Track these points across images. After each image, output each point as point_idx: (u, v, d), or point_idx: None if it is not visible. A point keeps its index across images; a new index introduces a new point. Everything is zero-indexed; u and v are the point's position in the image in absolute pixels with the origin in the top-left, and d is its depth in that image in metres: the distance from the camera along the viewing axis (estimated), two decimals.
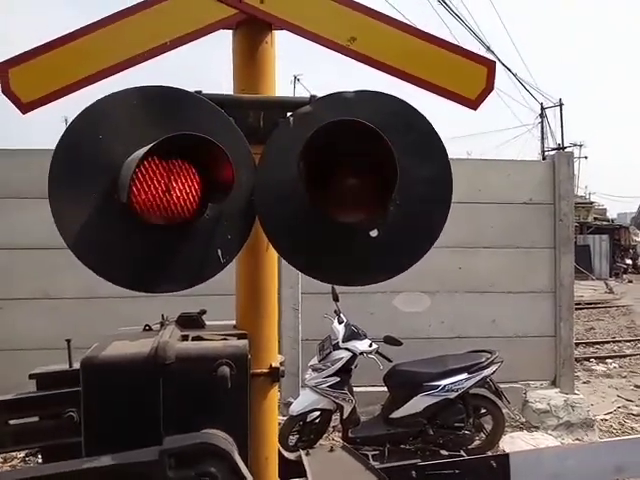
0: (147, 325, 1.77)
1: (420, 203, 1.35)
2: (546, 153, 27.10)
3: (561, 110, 27.87)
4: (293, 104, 1.41)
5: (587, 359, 8.31)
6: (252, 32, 1.54)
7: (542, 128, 28.16)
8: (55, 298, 4.73)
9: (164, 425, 1.42)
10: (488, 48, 15.02)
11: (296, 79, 25.54)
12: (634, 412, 5.59)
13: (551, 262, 5.42)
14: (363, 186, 1.31)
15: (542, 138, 28.12)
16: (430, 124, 1.34)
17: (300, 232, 1.35)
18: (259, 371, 1.67)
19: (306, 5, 1.50)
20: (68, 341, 1.89)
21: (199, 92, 1.35)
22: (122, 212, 1.23)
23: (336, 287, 4.30)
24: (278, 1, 1.48)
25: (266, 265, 1.67)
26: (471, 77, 1.54)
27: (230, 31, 1.58)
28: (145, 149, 1.11)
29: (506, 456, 2.10)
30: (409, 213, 1.35)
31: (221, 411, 1.48)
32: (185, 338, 1.62)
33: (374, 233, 1.34)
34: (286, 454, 2.06)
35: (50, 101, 1.39)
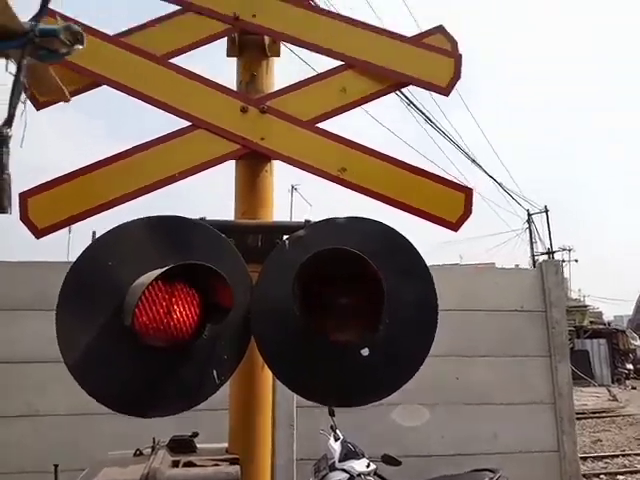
0: (138, 449, 1.72)
1: (408, 323, 1.40)
2: (536, 257, 27.68)
3: (547, 216, 28.96)
4: (289, 228, 1.51)
5: (597, 475, 7.85)
6: (253, 163, 1.69)
7: (530, 234, 29.04)
8: (45, 415, 4.53)
9: None
10: (473, 160, 16.00)
11: (293, 188, 26.78)
12: None
13: (548, 370, 5.33)
14: (354, 307, 1.37)
15: (531, 243, 28.88)
16: (414, 248, 1.44)
17: (295, 353, 1.38)
18: None
19: (301, 141, 1.67)
20: (55, 466, 1.81)
21: (203, 219, 1.46)
22: (124, 334, 1.26)
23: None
24: (276, 138, 1.64)
25: (261, 386, 1.67)
26: (451, 203, 1.67)
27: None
28: (151, 277, 1.18)
29: None
30: (398, 332, 1.39)
31: None
32: (176, 464, 1.57)
33: (365, 352, 1.37)
34: None
35: (63, 227, 1.49)
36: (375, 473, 3.89)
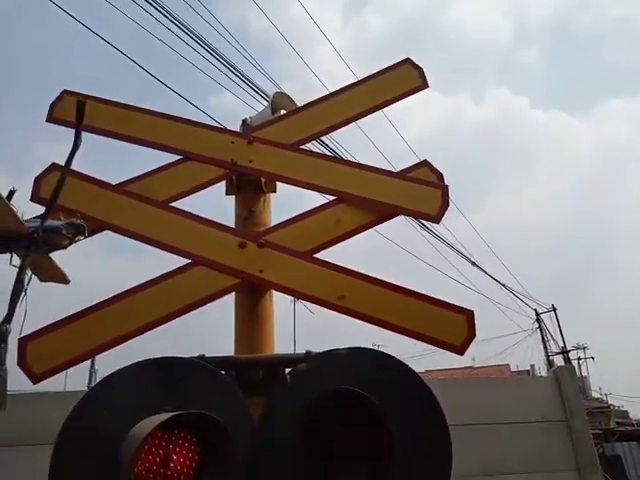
0: None
1: (420, 459, 1.32)
2: (551, 357, 26.81)
3: (556, 314, 28.47)
4: (290, 361, 1.49)
5: None
6: (253, 294, 1.72)
7: (541, 333, 28.34)
8: None
9: None
10: (473, 263, 16.08)
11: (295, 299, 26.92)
12: None
13: None
14: (361, 449, 1.31)
15: (544, 342, 28.09)
16: (418, 376, 1.40)
17: None
18: None
19: (300, 272, 1.71)
20: None
21: (202, 356, 1.44)
22: None
23: None
24: (275, 270, 1.69)
25: None
26: (453, 326, 1.67)
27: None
28: (146, 429, 1.14)
29: None
30: (411, 471, 1.31)
31: None
32: None
33: None
34: None
35: (61, 370, 1.48)
36: None
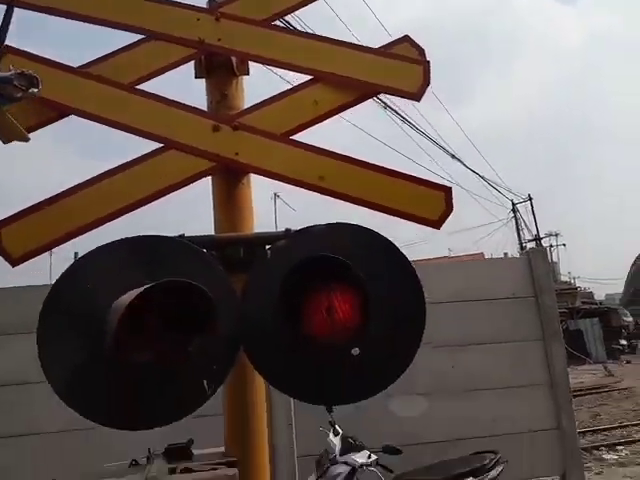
0: (134, 460, 1.75)
1: (397, 320, 1.43)
2: (524, 244, 27.93)
3: (531, 204, 29.31)
4: (270, 238, 1.54)
5: (596, 447, 7.98)
6: (229, 178, 1.72)
7: (516, 222, 29.35)
8: (38, 433, 4.54)
9: None
10: (453, 156, 16.04)
11: (276, 196, 27.15)
12: None
13: (542, 354, 5.42)
14: (341, 311, 1.40)
15: (518, 232, 29.18)
16: (395, 247, 1.47)
17: (285, 360, 1.42)
18: None
19: (277, 154, 1.70)
20: None
21: (182, 235, 1.48)
22: (106, 354, 1.28)
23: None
24: (251, 153, 1.67)
25: (255, 391, 1.70)
26: (431, 202, 1.71)
27: None
28: (129, 298, 1.20)
29: None
30: (387, 331, 1.42)
31: None
32: (173, 471, 1.60)
33: (356, 351, 1.41)
34: None
35: (38, 254, 1.51)
36: (377, 463, 3.95)
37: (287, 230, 1.54)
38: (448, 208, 1.71)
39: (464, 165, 18.54)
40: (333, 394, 1.50)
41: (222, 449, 1.78)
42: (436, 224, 1.72)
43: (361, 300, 1.36)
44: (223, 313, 1.40)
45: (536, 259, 5.62)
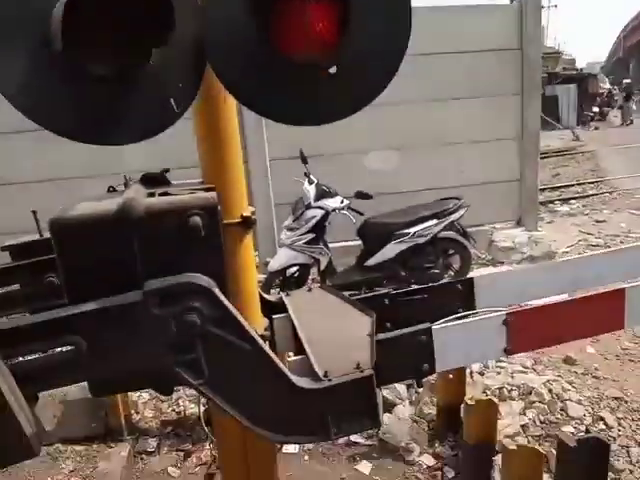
0: (111, 187, 1.75)
1: (377, 36, 1.28)
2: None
3: None
4: None
5: (552, 202, 8.68)
6: None
7: None
8: (15, 183, 4.60)
9: (143, 277, 1.46)
10: None
11: None
12: (593, 243, 6.01)
13: (518, 109, 5.40)
14: (318, 22, 1.23)
15: None
16: None
17: (257, 75, 1.30)
18: (231, 221, 1.71)
19: None
20: (34, 212, 1.87)
21: None
22: (61, 60, 1.15)
23: (303, 149, 4.28)
24: None
25: (226, 116, 1.63)
26: None
27: None
28: None
29: (471, 279, 2.24)
30: (366, 44, 1.28)
31: (197, 259, 1.51)
32: (152, 195, 1.62)
33: (333, 70, 1.29)
34: (267, 296, 2.18)
35: None
36: (349, 207, 4.23)
37: None
38: None
39: None
40: (311, 114, 1.42)
41: (200, 180, 1.77)
42: None
43: (340, 12, 1.19)
44: (184, 23, 1.23)
45: (528, 6, 5.17)
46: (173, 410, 3.24)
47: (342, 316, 1.91)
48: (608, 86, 28.11)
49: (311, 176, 4.33)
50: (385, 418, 2.91)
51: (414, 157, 5.33)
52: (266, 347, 1.45)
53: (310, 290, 2.29)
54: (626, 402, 2.88)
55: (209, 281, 1.49)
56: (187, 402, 3.28)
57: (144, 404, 3.33)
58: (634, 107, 24.46)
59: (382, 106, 4.93)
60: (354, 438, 2.88)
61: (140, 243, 1.42)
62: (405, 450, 2.76)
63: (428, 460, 2.72)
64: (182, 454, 2.89)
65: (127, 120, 1.33)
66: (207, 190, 1.63)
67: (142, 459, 2.87)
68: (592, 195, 9.02)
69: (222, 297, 1.45)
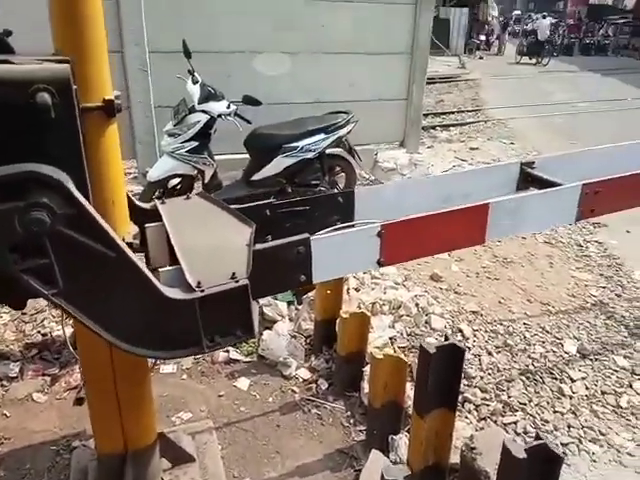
0: None
1: None
2: None
3: None
4: None
5: (433, 127, 9.05)
6: None
7: None
8: None
9: None
10: None
11: None
12: (467, 169, 6.39)
13: (410, 19, 5.34)
14: None
15: None
16: None
17: None
18: (91, 105, 1.48)
19: None
20: None
21: None
22: None
23: (188, 44, 3.88)
24: None
25: None
26: None
27: None
28: None
29: (351, 192, 2.25)
30: None
31: (48, 146, 1.30)
32: None
33: None
34: (138, 202, 2.00)
35: None
36: (236, 114, 3.99)
37: None
38: None
39: None
40: None
41: (52, 52, 1.48)
42: None
43: None
44: None
45: None
46: (38, 332, 2.99)
47: (221, 225, 1.82)
48: (496, 13, 29.02)
49: (196, 74, 3.97)
50: (265, 335, 2.96)
51: (306, 64, 5.13)
52: (131, 254, 1.32)
53: (188, 198, 2.14)
54: (482, 315, 3.20)
55: (61, 174, 1.30)
56: (53, 323, 3.05)
57: (4, 325, 3.04)
58: (507, 38, 25.89)
59: (276, 4, 4.65)
60: (234, 356, 2.91)
61: None
62: (283, 365, 2.85)
63: (304, 374, 2.82)
64: (49, 379, 2.70)
65: None
66: (60, 62, 1.38)
67: (2, 385, 2.64)
68: (469, 123, 9.52)
69: (77, 193, 1.27)
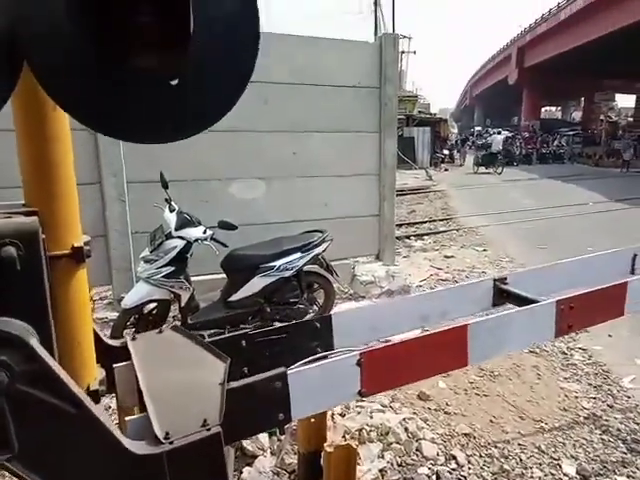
0: None
1: (224, 43, 1.18)
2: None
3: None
4: None
5: (408, 237, 9.33)
6: None
7: (375, 15, 28.37)
8: None
9: None
10: None
11: None
12: (443, 277, 6.50)
13: (376, 146, 5.72)
14: (154, 26, 1.11)
15: (375, 25, 28.36)
16: None
17: (83, 79, 1.12)
18: (59, 253, 1.48)
19: None
20: None
21: None
22: None
23: (165, 174, 4.04)
24: None
25: (54, 129, 1.41)
26: None
27: None
28: None
29: (329, 317, 2.22)
30: (213, 54, 1.18)
31: (12, 298, 1.28)
32: None
33: (175, 81, 1.17)
34: (109, 341, 1.94)
35: None
36: (212, 238, 4.05)
37: None
38: None
39: None
40: (154, 131, 1.27)
41: (21, 202, 1.51)
42: None
43: (181, 14, 1.08)
44: None
45: (387, 45, 5.52)
46: None
47: (193, 363, 1.75)
48: (456, 130, 31.56)
49: (172, 203, 4.08)
50: (245, 473, 2.73)
51: (280, 188, 5.35)
52: (94, 408, 1.24)
53: (161, 332, 2.08)
54: (474, 438, 3.03)
55: (23, 327, 1.26)
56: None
57: None
58: (467, 150, 27.98)
59: (247, 133, 4.95)
60: None
61: None
62: None
63: None
64: None
65: None
66: (28, 214, 1.39)
67: None
68: (442, 232, 9.86)
69: (38, 348, 1.22)
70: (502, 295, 2.42)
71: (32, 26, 1.08)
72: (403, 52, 30.88)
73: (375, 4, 27.60)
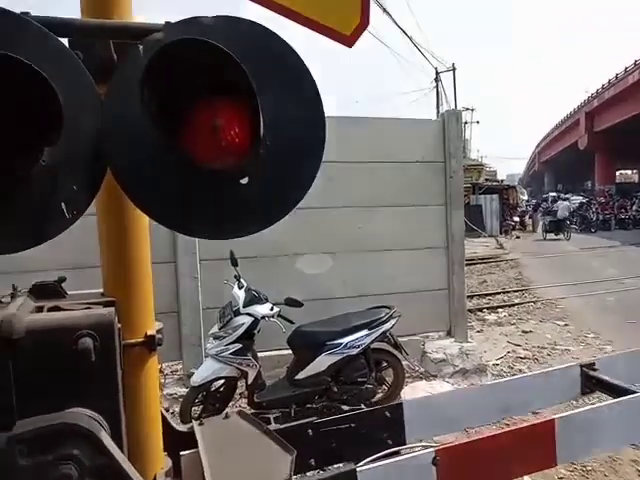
0: None
1: (291, 146, 1.23)
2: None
3: (454, 74, 29.23)
4: (144, 31, 1.21)
5: (480, 309, 8.92)
6: None
7: (437, 91, 29.25)
8: None
9: (19, 409, 1.23)
10: (384, 10, 15.16)
11: None
12: (522, 355, 6.09)
13: (443, 219, 5.65)
14: (228, 129, 1.17)
15: (437, 100, 29.17)
16: (299, 57, 1.22)
17: (158, 181, 1.19)
18: (133, 341, 1.52)
19: None
20: None
21: (26, 13, 1.12)
22: None
23: (235, 252, 4.17)
24: None
25: (134, 223, 1.49)
26: (345, 12, 1.44)
27: None
28: None
29: (399, 405, 2.11)
30: (280, 157, 1.23)
31: (86, 388, 1.31)
32: (40, 309, 1.42)
33: (245, 180, 1.22)
34: (176, 426, 1.93)
35: None
36: (279, 315, 4.06)
37: (167, 23, 1.22)
38: (363, 21, 1.45)
39: (393, 21, 17.67)
40: (213, 227, 1.31)
41: (100, 290, 1.59)
42: (348, 40, 1.48)
43: (252, 119, 1.13)
44: (80, 119, 1.13)
45: (450, 121, 5.58)
46: None
47: (259, 455, 1.69)
48: (526, 197, 30.84)
49: (241, 280, 4.18)
50: None
51: (346, 262, 5.35)
52: None
53: (227, 417, 2.05)
54: None
55: (93, 421, 1.27)
56: None
57: None
58: (539, 217, 27.10)
59: (316, 210, 5.05)
60: None
61: (18, 369, 1.21)
62: None
63: None
64: None
65: (11, 228, 1.17)
66: (106, 304, 1.45)
67: None
68: (518, 304, 9.35)
69: (107, 441, 1.23)
70: (591, 382, 2.21)
71: (116, 134, 1.17)
72: (466, 122, 31.23)
73: (436, 80, 28.47)
